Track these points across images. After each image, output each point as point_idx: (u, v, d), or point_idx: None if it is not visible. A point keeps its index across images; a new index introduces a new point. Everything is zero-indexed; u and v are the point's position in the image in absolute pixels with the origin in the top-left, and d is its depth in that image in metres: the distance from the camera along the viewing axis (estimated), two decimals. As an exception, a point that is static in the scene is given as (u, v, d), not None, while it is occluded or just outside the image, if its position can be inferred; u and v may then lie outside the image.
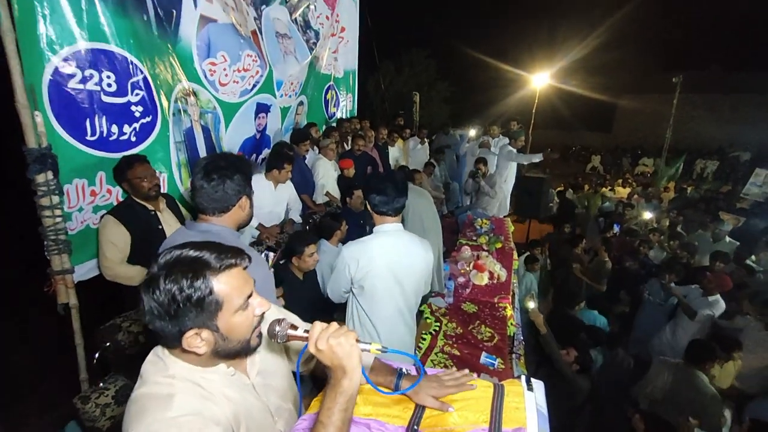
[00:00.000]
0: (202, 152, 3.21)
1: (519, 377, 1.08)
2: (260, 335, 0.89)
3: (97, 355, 2.06)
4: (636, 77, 21.44)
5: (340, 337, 0.78)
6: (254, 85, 3.68)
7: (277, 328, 0.85)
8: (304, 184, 3.92)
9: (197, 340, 0.79)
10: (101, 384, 1.97)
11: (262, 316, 0.88)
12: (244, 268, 0.85)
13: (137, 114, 2.52)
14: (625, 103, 22.03)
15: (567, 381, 2.57)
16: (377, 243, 1.74)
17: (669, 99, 10.73)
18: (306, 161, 4.12)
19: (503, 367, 2.21)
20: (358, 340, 0.81)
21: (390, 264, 1.71)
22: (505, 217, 5.29)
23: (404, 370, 1.09)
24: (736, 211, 7.01)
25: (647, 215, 6.79)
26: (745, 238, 5.52)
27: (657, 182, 10.14)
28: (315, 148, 4.36)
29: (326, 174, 4.17)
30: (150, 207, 2.34)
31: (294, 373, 1.02)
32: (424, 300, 2.97)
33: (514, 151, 5.47)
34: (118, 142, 2.44)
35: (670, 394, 2.70)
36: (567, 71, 17.61)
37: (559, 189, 9.71)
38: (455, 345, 2.38)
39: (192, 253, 0.79)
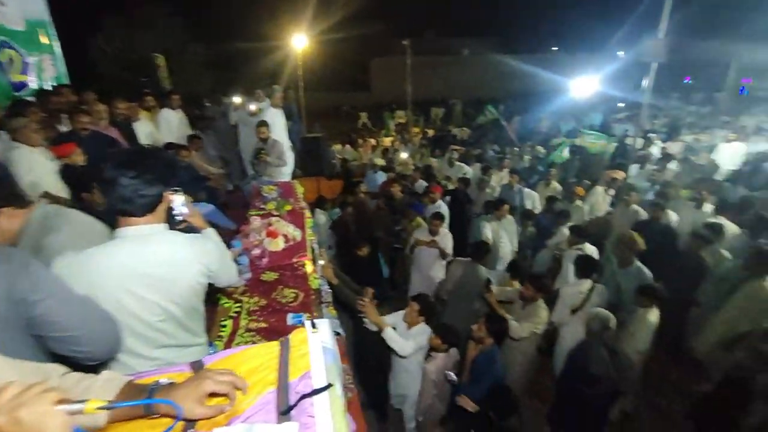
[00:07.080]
0: None
1: (303, 324, 1.04)
2: None
3: None
4: (380, 42, 25.08)
5: (30, 405, 0.59)
6: None
7: None
8: None
9: None
10: None
11: None
12: None
13: None
14: (375, 65, 26.51)
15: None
16: (104, 256, 1.23)
17: (405, 60, 13.45)
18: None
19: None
20: (64, 401, 0.63)
21: (124, 282, 1.24)
22: (293, 179, 5.27)
23: (159, 381, 0.86)
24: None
25: (404, 156, 8.32)
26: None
27: (382, 135, 13.22)
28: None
29: (35, 167, 2.97)
30: None
31: None
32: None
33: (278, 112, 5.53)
34: None
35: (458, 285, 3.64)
36: (325, 37, 18.58)
37: (336, 146, 10.48)
38: (260, 318, 2.25)
39: None
